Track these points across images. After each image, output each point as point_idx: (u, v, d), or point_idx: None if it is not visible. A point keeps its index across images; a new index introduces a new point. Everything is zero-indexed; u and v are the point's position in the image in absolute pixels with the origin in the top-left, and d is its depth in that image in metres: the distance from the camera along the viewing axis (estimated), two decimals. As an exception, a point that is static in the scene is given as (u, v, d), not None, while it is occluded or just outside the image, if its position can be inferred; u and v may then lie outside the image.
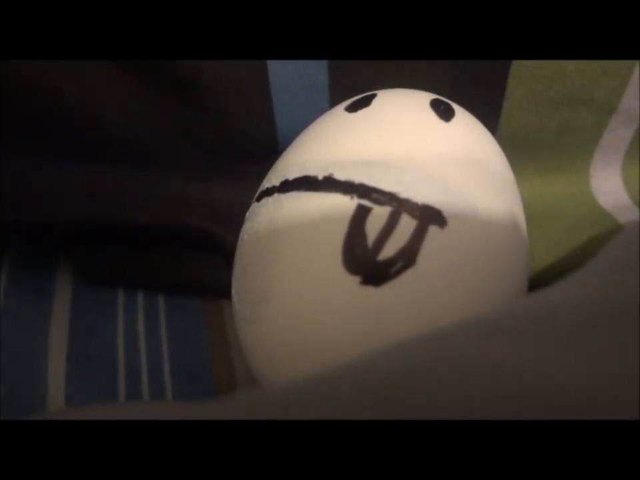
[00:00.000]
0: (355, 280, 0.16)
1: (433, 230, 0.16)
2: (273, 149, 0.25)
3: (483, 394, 0.09)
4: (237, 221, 0.24)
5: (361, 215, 0.16)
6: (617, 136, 0.27)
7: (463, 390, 0.09)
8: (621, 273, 0.11)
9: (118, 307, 0.26)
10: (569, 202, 0.27)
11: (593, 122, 0.26)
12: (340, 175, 0.17)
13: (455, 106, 0.19)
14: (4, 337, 0.24)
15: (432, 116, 0.18)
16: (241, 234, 0.19)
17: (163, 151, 0.25)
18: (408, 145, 0.17)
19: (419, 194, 0.16)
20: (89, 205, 0.25)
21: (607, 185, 0.28)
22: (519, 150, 0.26)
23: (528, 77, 0.24)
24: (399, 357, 0.11)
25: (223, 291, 0.26)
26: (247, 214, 0.20)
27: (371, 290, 0.16)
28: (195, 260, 0.27)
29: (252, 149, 0.25)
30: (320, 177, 0.17)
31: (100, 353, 0.24)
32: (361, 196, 0.16)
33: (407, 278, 0.16)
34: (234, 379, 0.24)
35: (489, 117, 0.24)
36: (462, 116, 0.19)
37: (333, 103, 0.24)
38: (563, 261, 0.25)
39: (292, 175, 0.18)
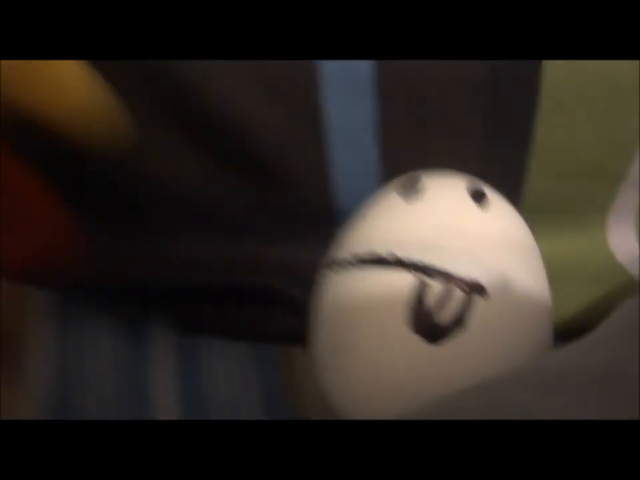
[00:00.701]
0: (417, 338, 0.21)
1: (477, 300, 0.21)
2: (331, 217, 0.30)
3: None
4: (303, 277, 0.29)
5: (421, 287, 0.21)
6: (628, 198, 0.31)
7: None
8: (620, 342, 0.16)
9: (202, 352, 0.31)
10: (589, 259, 0.32)
11: (606, 188, 0.30)
12: (403, 255, 0.21)
13: (489, 193, 0.24)
14: (108, 386, 0.29)
15: (472, 205, 0.23)
16: (320, 296, 0.24)
17: (238, 218, 0.30)
18: (454, 230, 0.22)
19: (466, 271, 0.21)
20: (181, 267, 0.30)
21: (622, 243, 0.32)
22: (541, 214, 0.30)
23: (547, 152, 0.29)
24: (459, 402, 0.16)
25: (293, 339, 0.31)
26: (322, 279, 0.25)
27: (430, 346, 0.20)
28: (268, 311, 0.32)
29: (312, 216, 0.30)
30: (387, 256, 0.22)
31: (193, 392, 0.29)
32: (420, 273, 0.21)
33: (458, 337, 0.20)
34: (306, 411, 0.29)
35: (515, 187, 0.29)
36: (496, 203, 0.24)
37: (385, 174, 0.28)
38: (584, 312, 0.30)
39: (362, 251, 0.23)
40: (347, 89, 0.26)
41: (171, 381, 0.30)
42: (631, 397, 0.13)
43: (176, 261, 0.31)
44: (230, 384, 0.30)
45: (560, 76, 0.27)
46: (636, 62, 0.27)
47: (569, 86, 0.27)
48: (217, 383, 0.30)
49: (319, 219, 0.30)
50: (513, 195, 0.29)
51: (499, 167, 0.28)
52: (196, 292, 0.32)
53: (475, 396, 0.16)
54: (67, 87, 0.20)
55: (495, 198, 0.24)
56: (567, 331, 0.24)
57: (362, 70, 0.26)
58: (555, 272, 0.29)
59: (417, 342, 0.20)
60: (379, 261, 0.22)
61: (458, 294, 0.21)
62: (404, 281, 0.21)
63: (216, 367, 0.31)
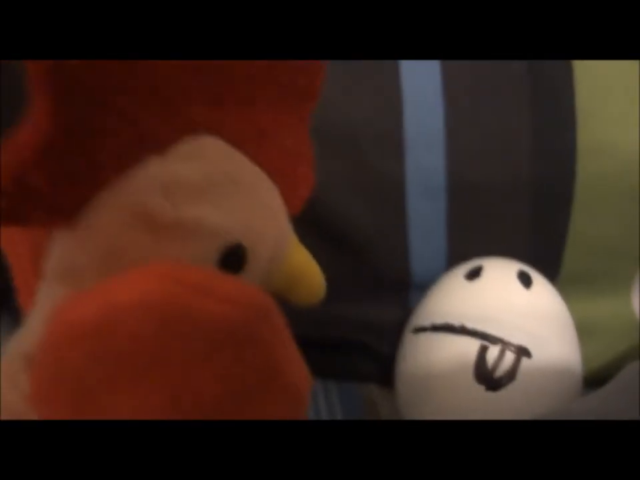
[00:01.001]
0: (481, 388, 0.29)
1: (524, 360, 0.29)
2: (408, 288, 0.38)
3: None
4: (384, 333, 0.37)
5: (483, 350, 0.29)
6: None
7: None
8: (623, 396, 0.24)
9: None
10: (615, 321, 0.39)
11: (629, 266, 0.38)
12: (469, 325, 0.30)
13: (532, 274, 0.32)
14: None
15: (518, 285, 0.31)
16: (405, 354, 0.32)
17: (338, 286, 0.39)
18: (505, 305, 0.30)
19: (515, 338, 0.29)
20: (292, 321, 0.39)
21: None
22: (575, 285, 0.38)
23: (579, 240, 0.36)
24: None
25: (372, 379, 0.39)
26: (405, 338, 0.33)
27: (491, 394, 0.29)
28: (352, 357, 0.40)
29: (393, 287, 0.38)
30: (457, 325, 0.30)
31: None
32: (482, 339, 0.29)
33: (511, 387, 0.28)
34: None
35: (555, 265, 0.37)
36: (537, 282, 0.32)
37: (451, 257, 0.37)
38: (610, 364, 0.37)
39: (438, 321, 0.31)
40: (424, 193, 0.35)
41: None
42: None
43: (287, 316, 0.40)
44: (316, 415, 0.38)
45: (589, 181, 0.35)
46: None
47: (597, 189, 0.35)
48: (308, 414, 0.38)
49: (396, 288, 0.38)
50: (553, 270, 0.37)
51: (542, 251, 0.36)
52: (298, 340, 0.40)
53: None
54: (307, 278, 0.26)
55: (538, 279, 0.32)
56: (596, 379, 0.32)
57: (438, 180, 0.34)
58: (587, 332, 0.37)
59: (480, 390, 0.29)
60: (451, 329, 0.30)
61: (510, 355, 0.29)
62: (470, 345, 0.29)
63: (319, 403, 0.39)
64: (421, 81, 0.34)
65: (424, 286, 0.36)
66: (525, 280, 0.32)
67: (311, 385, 0.20)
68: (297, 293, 0.25)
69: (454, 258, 0.36)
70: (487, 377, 0.28)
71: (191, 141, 0.21)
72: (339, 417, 0.38)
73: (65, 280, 0.20)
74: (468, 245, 0.36)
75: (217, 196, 0.21)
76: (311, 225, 0.37)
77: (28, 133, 0.18)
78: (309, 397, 0.20)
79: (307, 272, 0.25)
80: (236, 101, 0.22)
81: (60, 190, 0.19)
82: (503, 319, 0.30)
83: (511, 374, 0.28)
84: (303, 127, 0.25)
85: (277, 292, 0.25)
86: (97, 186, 0.20)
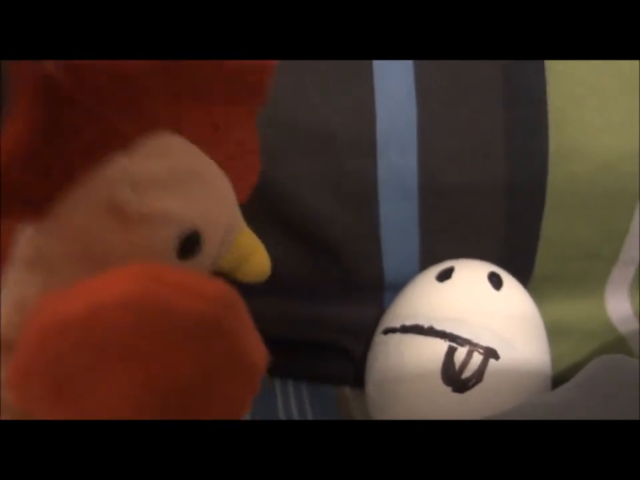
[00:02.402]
0: (448, 389, 0.29)
1: (491, 361, 0.29)
2: (381, 290, 0.38)
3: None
4: (353, 332, 0.37)
5: (451, 351, 0.29)
6: (621, 274, 0.39)
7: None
8: (587, 389, 0.24)
9: (276, 389, 0.39)
10: (587, 321, 0.39)
11: (602, 267, 0.38)
12: (438, 326, 0.30)
13: (504, 275, 0.32)
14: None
15: (488, 286, 0.31)
16: (374, 355, 0.32)
17: (311, 287, 0.39)
18: (475, 307, 0.30)
19: (483, 339, 0.29)
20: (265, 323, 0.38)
21: (618, 307, 0.40)
22: (548, 288, 0.38)
23: (552, 242, 0.36)
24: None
25: (345, 380, 0.39)
26: (375, 339, 0.33)
27: (458, 395, 0.28)
28: (326, 359, 0.40)
29: (366, 288, 0.38)
30: (426, 326, 0.30)
31: (267, 417, 0.37)
32: (450, 340, 0.29)
33: (478, 388, 0.28)
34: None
35: (527, 267, 0.37)
36: (508, 283, 0.32)
37: (424, 259, 0.36)
38: (580, 364, 0.37)
39: (407, 322, 0.31)
40: (397, 195, 0.34)
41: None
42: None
43: (260, 316, 0.39)
44: (288, 417, 0.38)
45: (562, 185, 0.35)
46: (622, 173, 0.35)
47: (569, 193, 0.35)
48: (279, 416, 0.38)
49: (370, 290, 0.38)
50: (525, 273, 0.37)
51: (515, 253, 0.36)
52: (271, 341, 0.40)
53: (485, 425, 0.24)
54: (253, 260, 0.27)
55: (509, 280, 0.32)
56: (566, 379, 0.32)
57: (411, 182, 0.34)
58: (559, 332, 0.37)
59: (447, 392, 0.29)
60: (420, 330, 0.30)
61: (477, 357, 0.29)
62: (439, 346, 0.29)
63: (280, 402, 0.39)
64: (394, 83, 0.34)
65: (398, 287, 0.36)
66: (496, 281, 0.32)
67: (266, 360, 0.21)
68: (244, 272, 0.27)
69: (427, 259, 0.36)
70: (454, 379, 0.28)
71: (153, 137, 0.23)
72: (310, 417, 0.38)
73: (35, 268, 0.21)
74: (441, 246, 0.36)
75: (178, 188, 0.22)
76: (285, 225, 0.37)
77: (3, 131, 0.19)
78: (264, 370, 0.21)
79: (253, 252, 0.27)
80: (193, 98, 0.23)
81: (32, 184, 0.20)
82: (471, 320, 0.30)
83: (478, 375, 0.28)
84: (251, 120, 0.27)
85: (225, 271, 0.27)
86: (67, 180, 0.21)
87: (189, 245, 0.23)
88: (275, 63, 0.25)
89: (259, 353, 0.20)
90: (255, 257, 0.27)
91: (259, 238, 0.30)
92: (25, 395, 0.18)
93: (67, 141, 0.20)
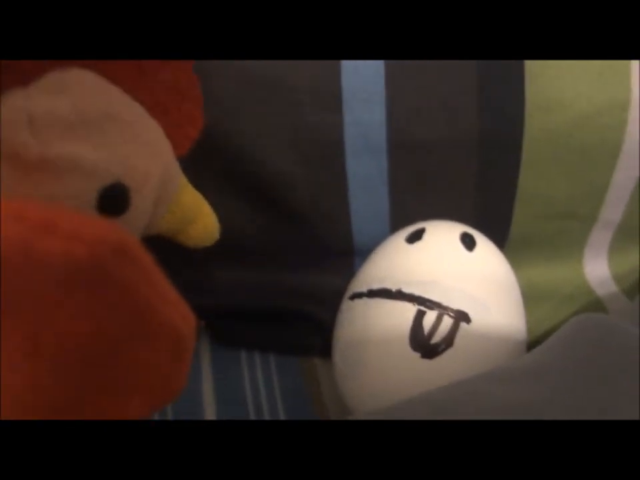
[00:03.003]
0: (417, 355, 0.27)
1: (463, 325, 0.27)
2: (350, 254, 0.36)
3: (481, 406, 0.20)
4: (325, 301, 0.35)
5: (419, 315, 0.27)
6: (600, 236, 0.37)
7: (472, 405, 0.20)
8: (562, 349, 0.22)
9: (242, 361, 0.38)
10: (564, 284, 0.37)
11: (580, 228, 0.36)
12: (406, 289, 0.28)
13: (477, 236, 0.30)
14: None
15: (461, 247, 0.29)
16: (340, 320, 0.30)
17: (274, 253, 0.36)
18: (446, 268, 0.28)
19: (454, 302, 0.27)
20: (228, 292, 0.36)
21: (596, 270, 0.38)
22: (525, 249, 0.36)
23: (528, 200, 0.35)
24: (443, 390, 0.22)
25: (314, 351, 0.37)
26: (342, 307, 0.31)
27: (427, 361, 0.27)
28: (294, 328, 0.38)
29: (334, 253, 0.36)
30: (394, 290, 0.28)
31: (233, 395, 0.35)
32: (419, 304, 0.27)
33: (448, 354, 0.27)
34: (327, 412, 0.35)
35: (503, 228, 0.35)
36: (481, 244, 0.30)
37: (394, 220, 0.34)
38: (556, 327, 0.35)
39: (375, 286, 0.29)
40: (364, 152, 0.32)
41: (210, 384, 0.36)
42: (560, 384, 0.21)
43: (222, 286, 0.37)
44: (254, 389, 0.36)
45: (538, 138, 0.33)
46: (602, 126, 0.33)
47: (546, 146, 0.33)
48: (245, 388, 0.36)
49: (340, 255, 0.36)
50: (501, 234, 0.35)
51: (489, 213, 0.34)
52: (236, 311, 0.38)
53: (459, 388, 0.23)
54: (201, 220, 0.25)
55: (482, 241, 0.30)
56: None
57: (379, 137, 0.32)
58: (535, 295, 0.35)
59: (415, 357, 0.27)
60: (388, 294, 0.28)
61: (448, 320, 0.27)
62: (407, 310, 0.27)
63: (246, 374, 0.37)
64: (359, 30, 0.31)
65: (367, 252, 0.33)
66: (469, 242, 0.30)
67: (193, 326, 0.19)
68: (189, 235, 0.25)
69: (397, 221, 0.34)
70: (422, 344, 0.26)
71: (58, 73, 0.20)
72: (277, 392, 0.36)
73: None
74: (412, 206, 0.34)
75: (90, 131, 0.20)
76: (245, 187, 0.35)
77: None
78: (193, 339, 0.19)
79: (198, 213, 0.25)
80: None
81: None
82: (442, 282, 0.28)
83: (449, 340, 0.26)
84: (186, 65, 0.24)
85: (168, 233, 0.25)
86: None
87: (113, 199, 0.20)
88: None
89: (177, 312, 0.18)
90: (201, 218, 0.25)
91: (216, 200, 0.27)
92: None
93: None
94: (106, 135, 0.20)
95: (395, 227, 0.34)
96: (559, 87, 0.32)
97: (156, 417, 0.34)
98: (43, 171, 0.19)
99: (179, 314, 0.18)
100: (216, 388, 0.36)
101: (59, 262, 0.15)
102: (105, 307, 0.16)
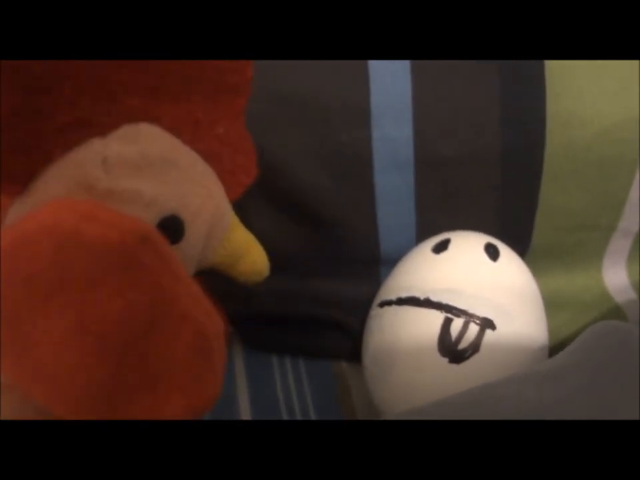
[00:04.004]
0: (444, 360, 0.28)
1: (488, 332, 0.28)
2: (377, 264, 0.37)
3: (506, 407, 0.21)
4: (354, 309, 0.37)
5: (447, 322, 0.29)
6: (619, 245, 0.38)
7: (498, 406, 0.21)
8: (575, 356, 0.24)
9: (273, 365, 0.39)
10: (584, 292, 0.39)
11: (599, 238, 0.38)
12: (434, 298, 0.29)
13: (501, 246, 0.32)
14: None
15: (485, 257, 0.31)
16: (371, 327, 0.32)
17: (306, 263, 0.38)
18: (471, 277, 0.30)
19: (480, 310, 0.29)
20: (261, 300, 0.38)
21: (615, 278, 0.40)
22: (546, 259, 0.38)
23: (549, 212, 0.36)
24: (470, 393, 0.24)
25: (342, 355, 0.39)
26: (371, 312, 0.33)
27: (454, 366, 0.28)
28: (322, 334, 0.40)
29: (362, 262, 0.38)
30: (422, 298, 0.30)
31: (266, 397, 0.37)
32: (446, 311, 0.29)
33: (474, 359, 0.28)
34: (356, 414, 0.36)
35: (524, 239, 0.37)
36: (505, 254, 0.31)
37: (420, 231, 0.36)
38: (576, 334, 0.37)
39: (403, 294, 0.30)
40: (392, 167, 0.34)
41: (245, 387, 0.38)
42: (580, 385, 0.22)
43: (255, 293, 0.39)
44: (286, 391, 0.38)
45: (558, 153, 0.34)
46: (620, 140, 0.34)
47: (566, 161, 0.34)
48: (277, 390, 0.38)
49: (367, 264, 0.38)
50: (523, 245, 0.37)
51: (511, 225, 0.36)
52: (268, 317, 0.40)
53: (485, 391, 0.24)
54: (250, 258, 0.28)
55: (505, 251, 0.32)
56: (563, 349, 0.32)
57: (406, 152, 0.34)
58: (556, 303, 0.37)
59: (443, 362, 0.28)
60: (416, 302, 0.30)
61: (474, 327, 0.28)
62: (435, 317, 0.29)
63: (278, 377, 0.39)
64: (388, 51, 0.33)
65: (395, 260, 0.35)
66: (492, 252, 0.31)
67: (219, 327, 0.21)
68: (239, 270, 0.28)
69: (423, 232, 0.36)
70: (450, 349, 0.28)
71: (130, 127, 0.24)
72: (308, 394, 0.38)
73: None
74: (437, 218, 0.35)
75: (152, 172, 0.24)
76: (278, 200, 0.36)
77: None
78: (222, 343, 0.21)
79: (248, 250, 0.28)
80: (171, 95, 0.26)
81: (13, 160, 0.22)
82: (468, 291, 0.29)
83: (475, 346, 0.28)
84: (238, 121, 0.28)
85: (220, 267, 0.28)
86: (45, 158, 0.23)
87: (169, 228, 0.23)
88: (251, 64, 0.27)
89: (203, 310, 0.20)
90: (251, 255, 0.28)
91: (251, 212, 0.30)
92: None
93: (44, 124, 0.23)
94: (166, 175, 0.24)
95: (420, 237, 0.35)
96: (578, 104, 0.34)
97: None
98: (110, 200, 0.22)
99: (202, 310, 0.20)
100: (250, 390, 0.38)
101: (98, 243, 0.18)
102: (133, 288, 0.19)
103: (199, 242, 0.25)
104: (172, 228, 0.24)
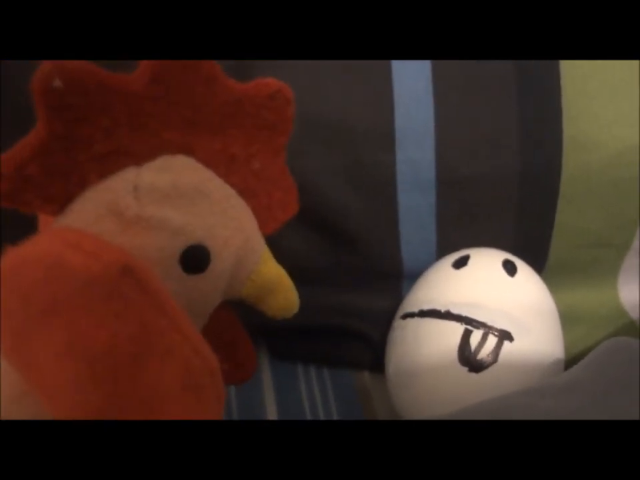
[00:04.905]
0: (464, 369, 0.30)
1: (506, 343, 0.30)
2: (399, 277, 0.39)
3: (523, 416, 0.23)
4: (376, 320, 0.39)
5: (467, 334, 0.30)
6: (633, 262, 0.40)
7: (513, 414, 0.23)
8: (589, 369, 0.25)
9: (299, 374, 0.41)
10: (600, 308, 0.40)
11: (614, 256, 0.39)
12: (454, 310, 0.31)
13: (518, 263, 0.33)
14: (237, 391, 0.39)
15: (503, 273, 0.32)
16: (394, 338, 0.34)
17: (331, 275, 0.40)
18: (490, 292, 0.32)
19: (498, 322, 0.30)
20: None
21: (630, 295, 0.41)
22: (562, 275, 0.39)
23: (565, 231, 0.38)
24: (489, 403, 0.25)
25: (365, 365, 0.40)
26: (394, 324, 0.35)
27: (473, 375, 0.30)
28: (346, 344, 0.42)
29: (385, 276, 0.40)
30: (443, 311, 0.31)
31: (291, 400, 0.39)
32: (466, 323, 0.30)
33: (493, 368, 0.30)
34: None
35: (541, 256, 0.38)
36: (522, 270, 0.33)
37: (440, 247, 0.38)
38: (591, 349, 0.38)
39: (425, 307, 0.32)
40: (414, 187, 0.36)
41: (272, 394, 0.40)
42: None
43: None
44: (311, 399, 0.40)
45: (574, 175, 0.36)
46: (634, 163, 0.36)
47: (582, 182, 0.36)
48: (303, 399, 0.40)
49: (389, 279, 0.40)
50: (540, 261, 0.38)
51: (528, 242, 0.37)
52: (293, 328, 0.42)
53: (502, 401, 0.26)
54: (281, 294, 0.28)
55: (522, 267, 0.34)
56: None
57: (428, 173, 0.36)
58: (572, 318, 0.38)
59: (463, 371, 0.30)
60: (438, 314, 0.31)
61: (492, 339, 0.30)
62: (455, 329, 0.31)
63: (303, 386, 0.40)
64: (412, 77, 0.35)
65: (416, 275, 0.37)
66: (510, 268, 0.33)
67: (212, 367, 0.21)
68: (269, 304, 0.28)
69: (443, 248, 0.37)
70: (470, 359, 0.30)
71: (166, 157, 0.25)
72: (332, 402, 0.39)
73: None
74: (457, 235, 0.37)
75: (182, 202, 0.24)
76: (307, 217, 0.38)
77: (29, 136, 0.23)
78: (215, 380, 0.22)
79: (279, 285, 0.28)
80: (208, 129, 0.26)
81: (51, 182, 0.23)
82: (487, 305, 0.31)
83: (493, 356, 0.30)
84: (278, 158, 0.28)
85: (249, 300, 0.28)
86: (81, 183, 0.24)
87: (194, 257, 0.24)
88: (293, 102, 0.27)
89: (186, 344, 0.20)
90: (281, 291, 0.28)
91: (280, 229, 0.31)
92: None
93: (82, 152, 0.24)
94: (195, 206, 0.24)
95: (441, 254, 0.37)
96: (594, 128, 0.35)
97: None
98: (138, 227, 0.23)
99: (190, 346, 0.21)
100: (277, 398, 0.39)
101: (81, 272, 0.19)
102: (117, 319, 0.19)
103: (225, 273, 0.25)
104: (197, 257, 0.24)
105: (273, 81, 0.26)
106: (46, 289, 0.19)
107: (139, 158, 0.25)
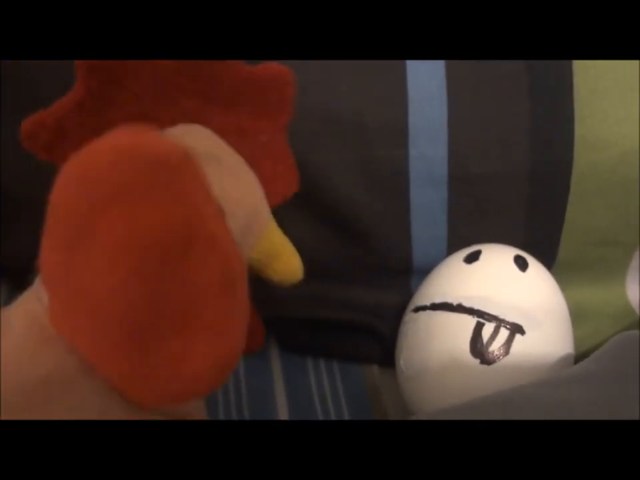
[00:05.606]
0: (476, 361, 0.31)
1: (518, 336, 0.31)
2: (410, 272, 0.40)
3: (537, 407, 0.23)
4: (386, 315, 0.39)
5: (479, 326, 0.31)
6: None
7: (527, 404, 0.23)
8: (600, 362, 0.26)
9: (308, 367, 0.42)
10: (608, 305, 0.41)
11: (622, 254, 0.40)
12: (466, 304, 0.32)
13: (529, 259, 0.34)
14: (248, 383, 0.39)
15: (514, 268, 0.33)
16: (406, 331, 0.34)
17: (342, 271, 0.41)
18: (502, 286, 0.32)
19: (509, 316, 0.31)
20: (297, 304, 0.41)
21: (638, 293, 0.41)
22: (571, 272, 0.40)
23: (574, 229, 0.38)
24: (500, 395, 0.26)
25: (373, 359, 0.41)
26: (405, 317, 0.35)
27: (485, 367, 0.30)
28: (355, 338, 0.42)
29: (396, 271, 0.40)
30: (455, 304, 0.32)
31: (301, 393, 0.39)
32: (478, 316, 0.31)
33: (504, 361, 0.30)
34: (386, 415, 0.38)
35: (551, 252, 0.39)
36: (533, 266, 0.34)
37: (451, 243, 0.38)
38: (600, 345, 0.39)
39: (437, 300, 0.33)
40: (426, 183, 0.36)
41: (282, 387, 0.40)
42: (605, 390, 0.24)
43: (292, 298, 0.41)
44: (321, 392, 0.40)
45: (585, 174, 0.36)
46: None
47: (592, 181, 0.37)
48: (313, 392, 0.40)
49: (399, 274, 0.40)
50: (549, 258, 0.39)
51: (538, 240, 0.38)
52: (303, 321, 0.42)
53: (514, 393, 0.26)
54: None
55: (534, 263, 0.34)
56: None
57: (441, 170, 0.36)
58: (581, 314, 0.39)
59: (475, 363, 0.30)
60: (449, 307, 0.32)
61: (504, 332, 0.31)
62: (467, 322, 0.31)
63: (313, 379, 0.41)
64: (426, 75, 0.36)
65: (426, 271, 0.38)
66: (521, 263, 0.33)
67: (242, 263, 0.23)
68: (274, 268, 0.29)
69: (454, 244, 0.38)
70: (481, 352, 0.30)
71: (184, 125, 0.27)
72: (341, 395, 0.40)
73: None
74: (468, 232, 0.38)
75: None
76: (319, 212, 0.39)
77: (68, 94, 0.26)
78: (243, 276, 0.23)
79: (283, 252, 0.29)
80: (220, 102, 0.29)
81: (85, 137, 0.24)
82: (498, 298, 0.31)
83: (505, 349, 0.30)
84: (281, 136, 0.31)
85: (257, 266, 0.29)
86: None
87: None
88: (292, 84, 0.30)
89: (225, 238, 0.22)
90: (285, 255, 0.29)
91: (293, 223, 0.32)
92: (49, 244, 0.21)
93: (113, 112, 0.27)
94: (210, 168, 0.25)
95: (451, 249, 0.38)
96: (604, 128, 0.36)
97: (234, 418, 0.38)
98: None
99: (229, 239, 0.22)
100: (287, 390, 0.40)
101: (148, 154, 0.20)
102: (174, 200, 0.21)
103: (237, 233, 0.26)
104: None
105: (276, 65, 0.30)
106: (115, 171, 0.20)
107: (161, 123, 0.26)
